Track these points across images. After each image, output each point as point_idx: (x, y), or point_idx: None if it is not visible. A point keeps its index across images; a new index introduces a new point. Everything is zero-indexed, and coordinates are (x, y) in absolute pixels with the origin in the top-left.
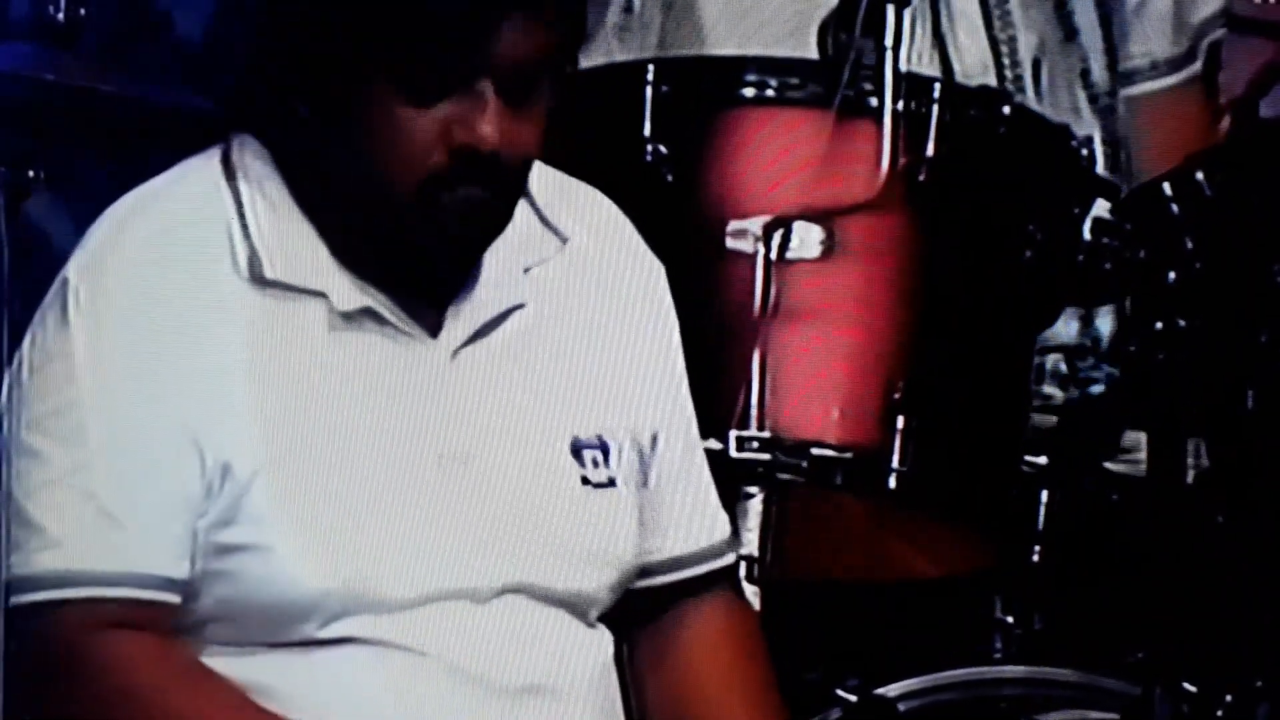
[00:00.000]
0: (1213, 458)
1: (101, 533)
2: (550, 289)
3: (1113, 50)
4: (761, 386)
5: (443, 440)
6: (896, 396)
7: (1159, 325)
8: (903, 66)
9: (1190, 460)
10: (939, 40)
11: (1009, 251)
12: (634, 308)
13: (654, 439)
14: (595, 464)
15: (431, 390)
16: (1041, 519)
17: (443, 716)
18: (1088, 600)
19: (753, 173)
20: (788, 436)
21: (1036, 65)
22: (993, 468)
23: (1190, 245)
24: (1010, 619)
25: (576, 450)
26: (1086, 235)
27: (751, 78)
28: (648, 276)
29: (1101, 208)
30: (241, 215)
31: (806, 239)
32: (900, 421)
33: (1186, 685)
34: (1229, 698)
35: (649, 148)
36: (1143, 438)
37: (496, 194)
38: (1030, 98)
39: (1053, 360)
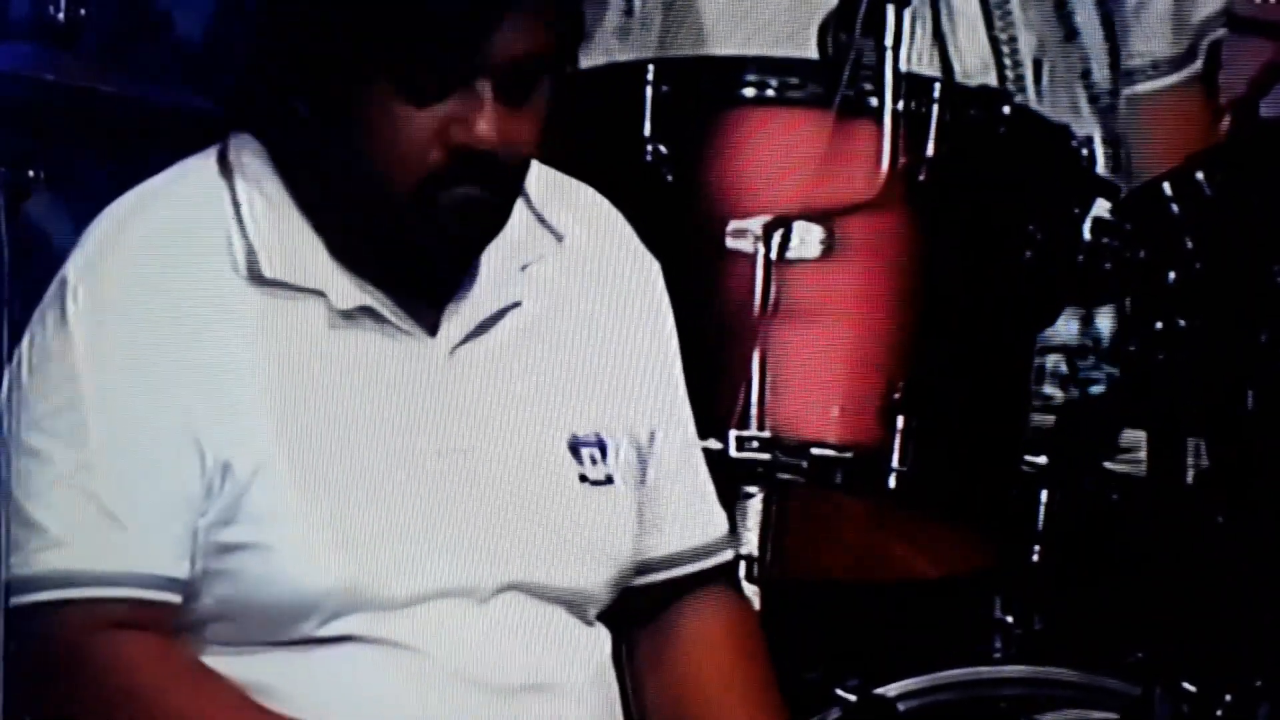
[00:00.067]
0: (1213, 458)
1: (103, 532)
2: (547, 287)
3: (1114, 50)
4: (761, 386)
5: (441, 439)
6: (896, 396)
7: (1159, 325)
8: (903, 66)
9: (1190, 460)
10: (939, 40)
11: (1009, 251)
12: (630, 305)
13: (651, 436)
14: (593, 461)
15: (429, 388)
16: (1041, 519)
17: (442, 715)
18: (1088, 600)
19: (753, 172)
20: (788, 436)
21: (1037, 65)
22: (993, 468)
23: (1190, 245)
24: (1010, 619)
25: (574, 448)
26: (1086, 235)
27: (751, 77)
28: (644, 274)
29: (1101, 208)
30: (239, 214)
31: (806, 239)
32: (900, 421)
33: (1186, 685)
34: (1229, 698)
35: (649, 148)
36: (1143, 437)
37: (494, 193)
38: (1031, 97)
39: (1053, 360)
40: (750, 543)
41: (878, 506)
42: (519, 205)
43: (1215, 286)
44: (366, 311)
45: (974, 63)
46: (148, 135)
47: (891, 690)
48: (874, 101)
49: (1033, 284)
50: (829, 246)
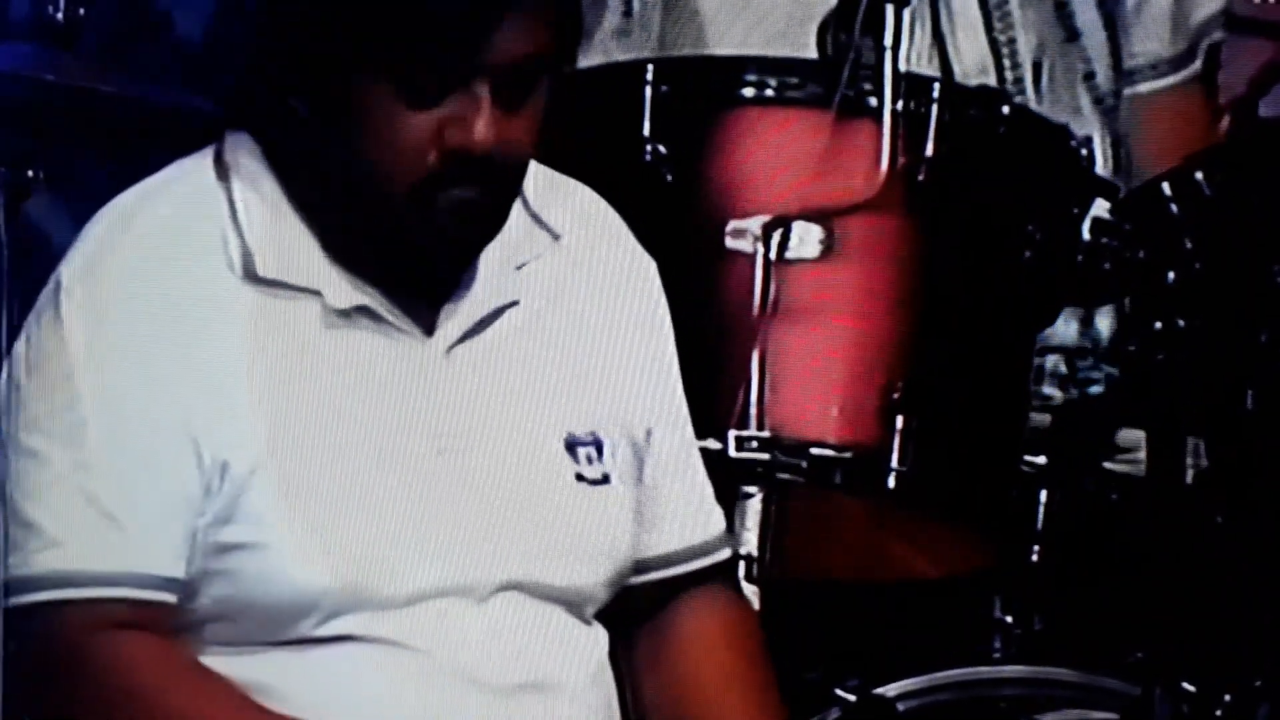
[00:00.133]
0: (1213, 458)
1: (101, 533)
2: (543, 286)
3: (1116, 50)
4: (761, 386)
5: (438, 438)
6: (896, 396)
7: (1159, 325)
8: (902, 66)
9: (1190, 460)
10: (938, 41)
11: (1009, 251)
12: (626, 304)
13: (648, 434)
14: (589, 460)
15: (426, 388)
16: (1041, 519)
17: (440, 714)
18: (1087, 600)
19: (752, 172)
20: (787, 436)
21: (1037, 67)
22: (992, 468)
23: (1190, 245)
24: (1010, 619)
25: (570, 447)
26: (1086, 235)
27: (751, 77)
28: (640, 272)
29: (1101, 208)
30: (235, 214)
31: (806, 238)
32: (900, 421)
33: (1186, 685)
34: (1229, 698)
35: (648, 147)
36: (1142, 437)
37: (491, 195)
38: (1030, 99)
39: (1052, 361)
40: (750, 543)
41: (877, 506)
42: (515, 205)
43: (1215, 286)
44: (363, 311)
45: (973, 64)
46: (148, 135)
47: (891, 690)
48: (873, 101)
49: (1032, 284)
50: (828, 246)
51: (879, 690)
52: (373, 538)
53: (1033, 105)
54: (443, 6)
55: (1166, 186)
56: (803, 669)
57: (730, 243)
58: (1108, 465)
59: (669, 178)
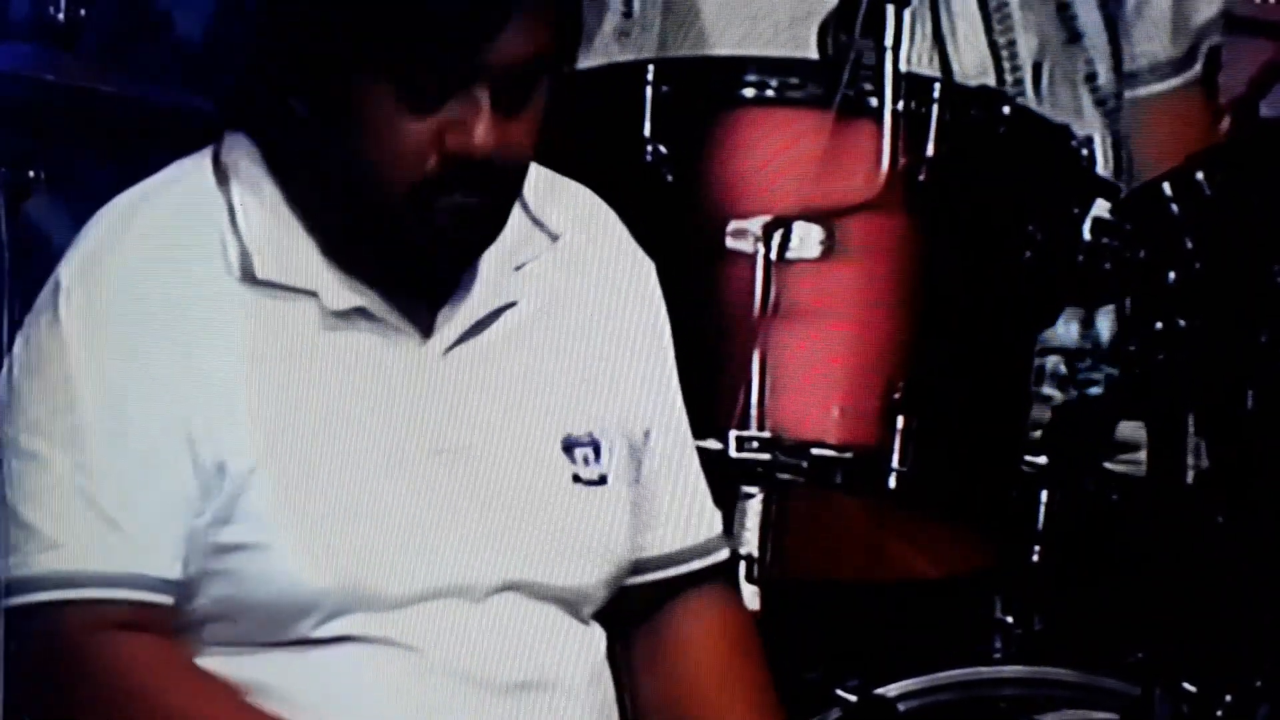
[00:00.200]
0: (1213, 458)
1: (100, 535)
2: (541, 286)
3: (1118, 52)
4: (761, 386)
5: (435, 439)
6: (896, 396)
7: (1159, 325)
8: (902, 67)
9: (1190, 460)
10: (938, 43)
11: (1009, 251)
12: (624, 304)
13: (645, 435)
14: (586, 461)
15: (423, 389)
16: (1041, 519)
17: (439, 714)
18: (1088, 600)
19: (753, 172)
20: (788, 436)
21: (1037, 68)
22: (993, 468)
23: (1190, 245)
24: (1010, 619)
25: (568, 448)
26: (1086, 235)
27: (751, 78)
28: (638, 273)
29: (1101, 208)
30: (233, 215)
31: (806, 239)
32: (900, 421)
33: (1186, 685)
34: (1229, 698)
35: (649, 148)
36: (1143, 438)
37: (490, 199)
38: (1030, 100)
39: (1052, 362)
40: (750, 543)
41: (878, 507)
42: (515, 206)
43: (1215, 286)
44: (360, 312)
45: (973, 66)
46: (148, 135)
47: (891, 690)
48: (874, 102)
49: (1033, 284)
50: (829, 247)
51: (879, 690)
52: (371, 538)
53: (1033, 107)
54: (443, 9)
55: (1167, 186)
56: (803, 669)
57: (731, 243)
58: (1108, 465)
59: (670, 178)
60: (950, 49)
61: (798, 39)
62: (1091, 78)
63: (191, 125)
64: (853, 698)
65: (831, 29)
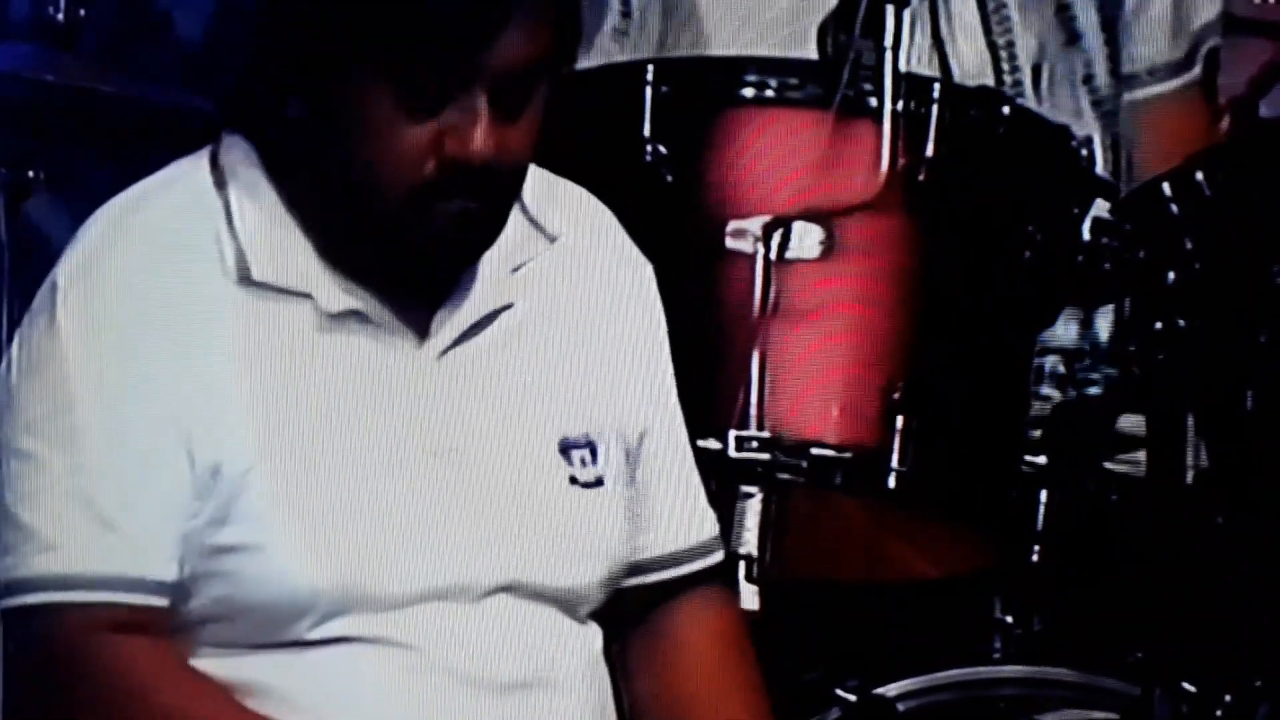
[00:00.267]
0: (1213, 458)
1: (96, 536)
2: (538, 288)
3: (1116, 54)
4: (761, 386)
5: (431, 441)
6: (896, 396)
7: (1158, 325)
8: (902, 67)
9: (1190, 460)
10: (938, 45)
11: (1008, 252)
12: (621, 306)
13: (641, 437)
14: (583, 463)
15: (419, 392)
16: (1041, 519)
17: (436, 714)
18: (1087, 600)
19: (752, 173)
20: (787, 436)
21: (1036, 70)
22: (992, 468)
23: (1190, 245)
24: (1010, 619)
25: (564, 450)
26: (1086, 235)
27: (751, 78)
28: (635, 275)
29: (1101, 208)
30: (229, 217)
31: (806, 239)
32: (900, 421)
33: (1186, 685)
34: (1229, 698)
35: (649, 148)
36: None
37: (489, 204)
38: (1030, 101)
39: (1051, 362)
40: (750, 543)
41: (878, 506)
42: (513, 207)
43: (1215, 287)
44: (355, 315)
45: (972, 67)
46: (148, 135)
47: (891, 690)
48: (873, 102)
49: (1032, 284)
50: (828, 247)
51: (879, 690)
52: (367, 539)
53: (1033, 108)
54: (442, 13)
55: (1166, 187)
56: (803, 669)
57: (730, 243)
58: (1107, 466)
59: (669, 178)
60: (949, 50)
61: (797, 39)
62: (1089, 79)
63: (191, 125)
64: (852, 698)
65: (831, 29)
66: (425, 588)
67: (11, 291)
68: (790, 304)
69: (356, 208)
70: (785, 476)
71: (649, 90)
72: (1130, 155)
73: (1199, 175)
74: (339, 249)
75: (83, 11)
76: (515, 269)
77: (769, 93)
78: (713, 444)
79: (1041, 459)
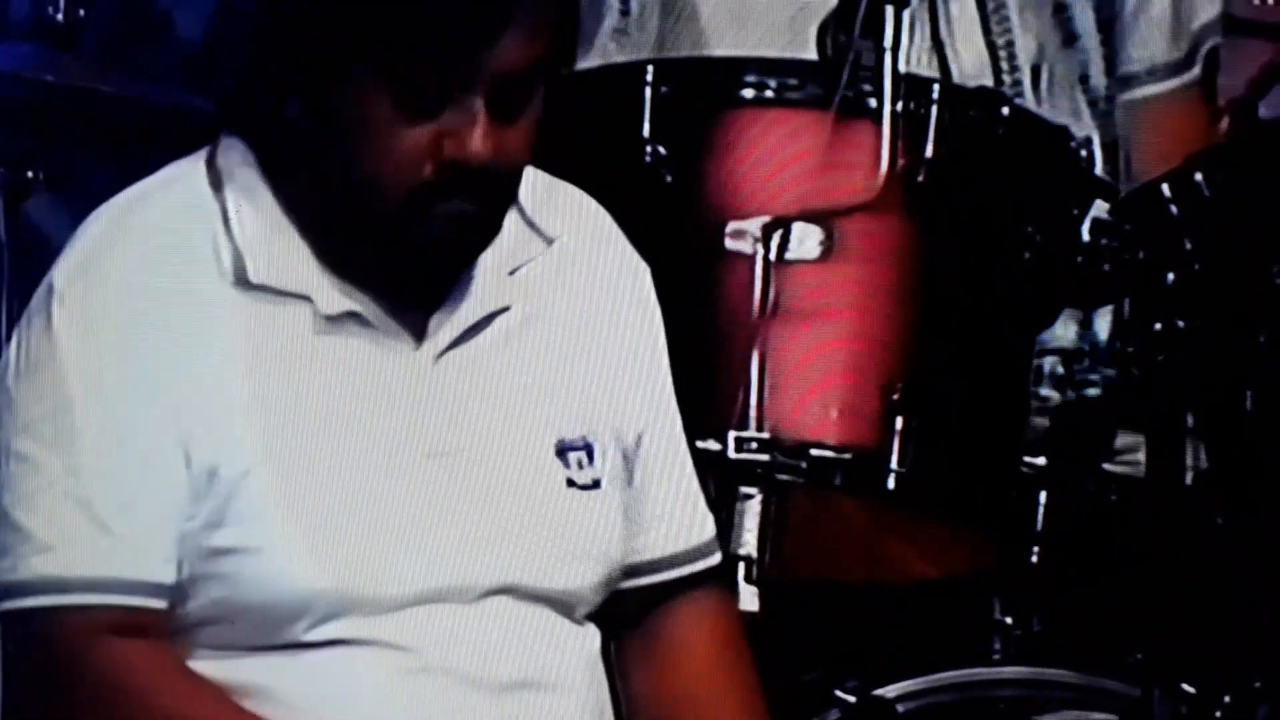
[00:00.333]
0: (1212, 458)
1: (92, 539)
2: (535, 290)
3: (1112, 56)
4: (760, 387)
5: (428, 443)
6: (895, 397)
7: (1158, 326)
8: (901, 67)
9: (1190, 461)
10: (937, 46)
11: (1008, 252)
12: (619, 308)
13: (639, 439)
14: (580, 465)
15: (416, 394)
16: (1040, 520)
17: (433, 715)
18: (1087, 601)
19: (752, 173)
20: (787, 437)
21: (1035, 70)
22: (992, 468)
23: (1189, 246)
24: (1009, 620)
25: (561, 452)
26: (1085, 236)
27: (751, 79)
28: (633, 277)
29: (1100, 209)
30: (226, 219)
31: (805, 240)
32: (899, 422)
33: (1186, 686)
34: (1228, 698)
35: (648, 149)
36: (1142, 439)
37: (486, 207)
38: (1029, 102)
39: (1050, 363)
40: (749, 544)
41: (877, 507)
42: (510, 209)
43: (1214, 287)
44: (352, 317)
45: (971, 68)
46: (148, 135)
47: (891, 691)
48: (873, 102)
49: (1032, 285)
50: (828, 247)
51: (878, 691)
52: (364, 541)
53: (1032, 108)
54: (441, 15)
55: (1166, 187)
56: (802, 670)
57: (730, 244)
58: (1107, 467)
59: (668, 179)
60: (949, 50)
61: (796, 39)
62: (1085, 79)
63: (191, 126)
64: (852, 699)
65: (831, 30)
66: (422, 589)
67: (11, 291)
68: (790, 305)
69: (355, 209)
70: (785, 477)
71: (649, 91)
72: (1129, 155)
73: (1198, 176)
74: (337, 251)
75: (83, 11)
76: (512, 271)
77: (769, 93)
78: (712, 445)
79: (1040, 460)
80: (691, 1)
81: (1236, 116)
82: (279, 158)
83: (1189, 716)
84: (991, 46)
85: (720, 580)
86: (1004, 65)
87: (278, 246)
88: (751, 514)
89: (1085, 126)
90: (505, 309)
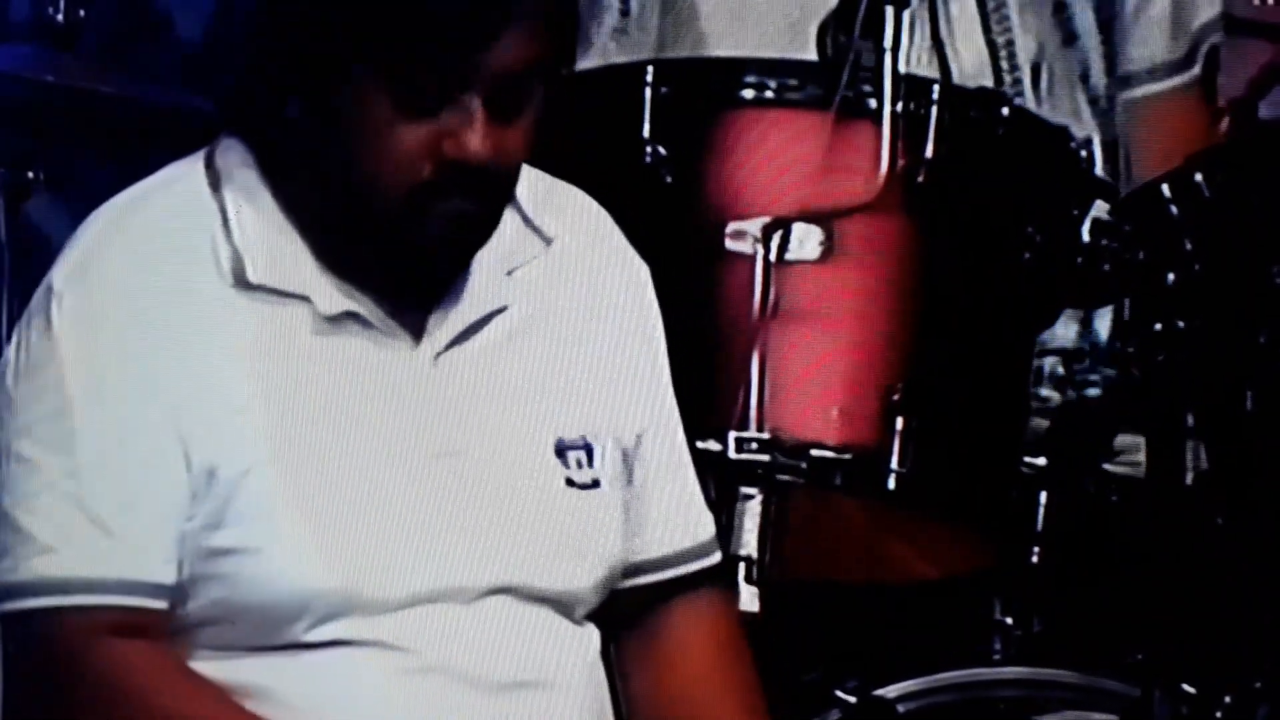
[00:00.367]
0: (1213, 459)
1: (92, 540)
2: (534, 290)
3: (1112, 54)
4: (761, 388)
5: (427, 443)
6: (896, 398)
7: (1158, 327)
8: (901, 68)
9: (1190, 461)
10: (937, 45)
11: (1008, 253)
12: (618, 308)
13: (638, 439)
14: (579, 465)
15: (415, 394)
16: (1040, 520)
17: (433, 715)
18: (1087, 601)
19: (752, 174)
20: (787, 438)
21: (1035, 69)
22: (992, 469)
23: (1189, 246)
24: (1009, 620)
25: (560, 451)
26: (1085, 237)
27: (751, 79)
28: (632, 277)
29: (1100, 209)
30: (225, 219)
31: (806, 240)
32: (899, 422)
33: (1186, 686)
34: (1229, 699)
35: (648, 149)
36: (1142, 440)
37: (484, 206)
38: (1029, 101)
39: (1050, 363)
40: (750, 544)
41: (877, 507)
42: (508, 209)
43: (1214, 288)
44: (351, 317)
45: (971, 67)
46: (148, 136)
47: (891, 692)
48: (873, 103)
49: (1032, 285)
50: (828, 248)
51: (879, 692)
52: (364, 541)
53: (1031, 108)
54: (440, 15)
55: (1166, 188)
56: (802, 670)
57: (730, 244)
58: (1107, 467)
59: (669, 179)
60: (949, 50)
61: (797, 39)
62: (1086, 78)
63: (191, 126)
64: (852, 699)
65: (831, 30)
66: (421, 590)
67: (11, 291)
68: (790, 305)
69: (354, 208)
70: (785, 478)
71: (649, 91)
72: (1129, 154)
73: (1198, 176)
74: (336, 251)
75: (83, 12)
76: (511, 271)
77: (769, 94)
78: (712, 445)
79: (1041, 460)
80: (692, 2)
81: (1236, 117)
82: (278, 158)
83: (1189, 716)
84: (992, 45)
85: (720, 581)
86: (1004, 64)
87: (277, 247)
88: (752, 514)
89: (1085, 126)
90: (504, 309)
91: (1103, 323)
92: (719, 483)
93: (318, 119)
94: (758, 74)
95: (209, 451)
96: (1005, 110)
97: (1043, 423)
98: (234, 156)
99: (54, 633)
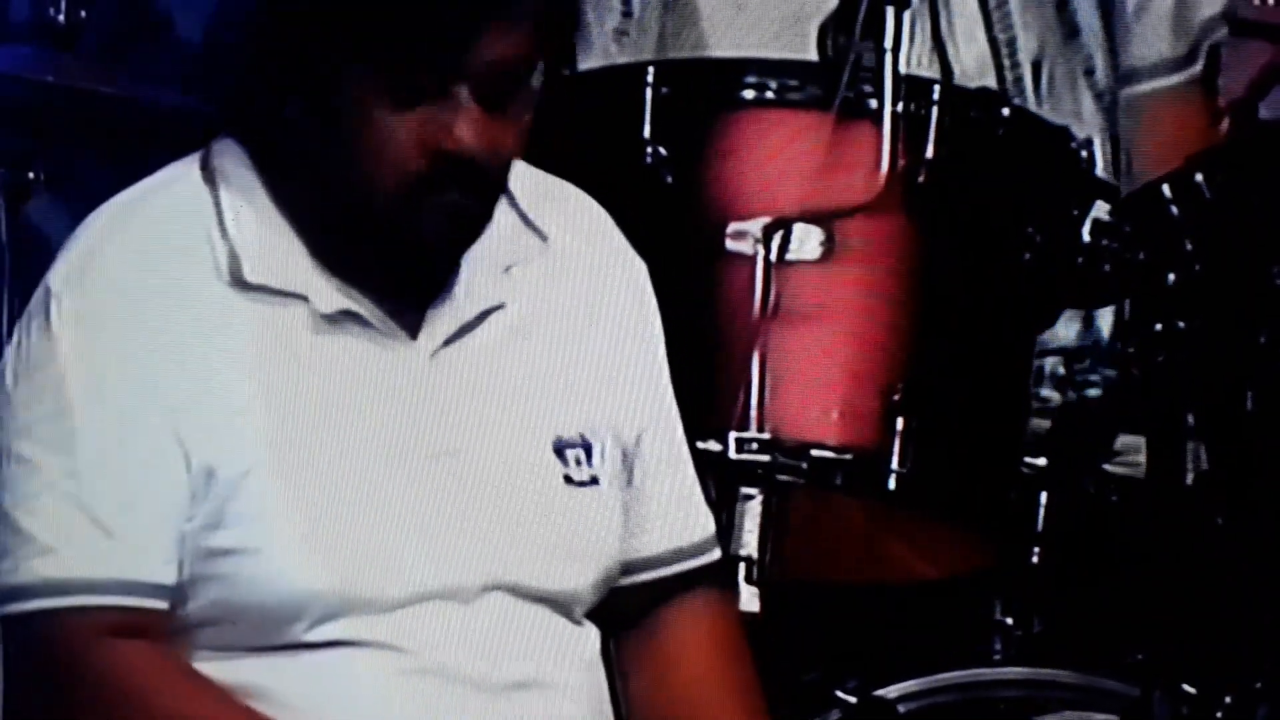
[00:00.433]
0: (1213, 459)
1: (92, 541)
2: (531, 288)
3: (1114, 51)
4: (761, 388)
5: (425, 442)
6: (896, 398)
7: (1158, 327)
8: (902, 68)
9: (1190, 461)
10: (938, 44)
11: (1008, 253)
12: (616, 306)
13: (638, 437)
14: (578, 463)
15: (412, 392)
16: (1041, 520)
17: (432, 715)
18: (1087, 602)
19: (752, 174)
20: (787, 438)
21: (1037, 67)
22: (992, 469)
23: (1190, 247)
24: (1010, 620)
25: (559, 449)
26: (1086, 237)
27: (751, 79)
28: (630, 275)
29: (1101, 209)
30: (222, 219)
31: (806, 240)
32: (900, 423)
33: (1186, 686)
34: (1229, 699)
35: (649, 150)
36: (1142, 440)
37: (477, 199)
38: (1030, 100)
39: (1051, 363)
40: (750, 544)
41: (878, 508)
42: (503, 206)
43: (1215, 288)
44: (349, 315)
45: (973, 66)
46: (148, 136)
47: (891, 692)
48: (873, 103)
49: (1032, 286)
50: (829, 248)
51: (879, 692)
52: (362, 541)
53: (1032, 106)
54: (431, 8)
55: (1166, 188)
56: (802, 670)
57: (731, 244)
58: (1108, 467)
59: (669, 180)
60: (950, 50)
61: (797, 40)
62: (1090, 72)
63: (191, 127)
64: (852, 699)
65: (831, 30)
66: (420, 589)
67: (12, 292)
68: (790, 305)
69: (350, 206)
70: (785, 478)
71: (649, 92)
72: (1130, 152)
73: (1199, 177)
74: (332, 249)
75: (83, 12)
76: (507, 269)
77: (769, 94)
78: (713, 446)
79: (1041, 460)
80: (693, 2)
81: (1237, 117)
82: (275, 158)
83: (1189, 717)
84: (993, 43)
85: (720, 581)
86: (1005, 61)
87: (273, 246)
88: (752, 514)
89: (1087, 124)
90: (501, 306)
91: (1103, 323)
92: (719, 483)
93: (316, 118)
94: (758, 74)
95: (208, 452)
96: (1005, 110)
97: (1043, 423)
98: (230, 157)
99: (54, 634)
